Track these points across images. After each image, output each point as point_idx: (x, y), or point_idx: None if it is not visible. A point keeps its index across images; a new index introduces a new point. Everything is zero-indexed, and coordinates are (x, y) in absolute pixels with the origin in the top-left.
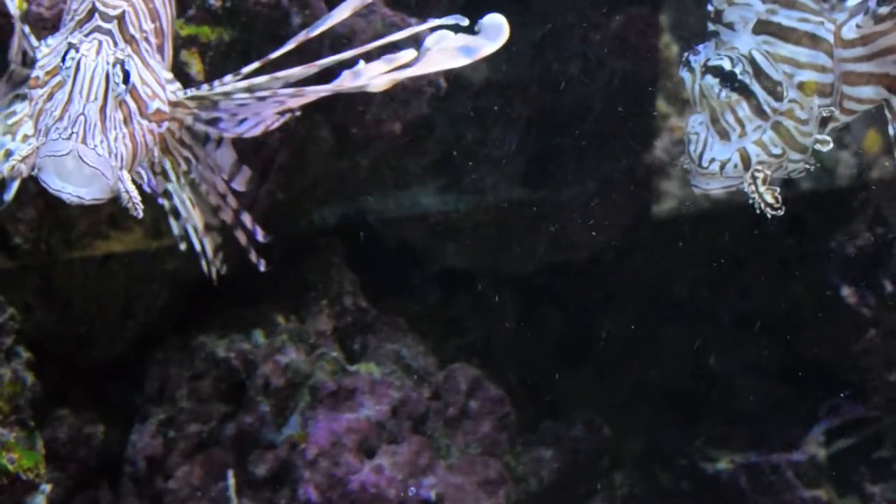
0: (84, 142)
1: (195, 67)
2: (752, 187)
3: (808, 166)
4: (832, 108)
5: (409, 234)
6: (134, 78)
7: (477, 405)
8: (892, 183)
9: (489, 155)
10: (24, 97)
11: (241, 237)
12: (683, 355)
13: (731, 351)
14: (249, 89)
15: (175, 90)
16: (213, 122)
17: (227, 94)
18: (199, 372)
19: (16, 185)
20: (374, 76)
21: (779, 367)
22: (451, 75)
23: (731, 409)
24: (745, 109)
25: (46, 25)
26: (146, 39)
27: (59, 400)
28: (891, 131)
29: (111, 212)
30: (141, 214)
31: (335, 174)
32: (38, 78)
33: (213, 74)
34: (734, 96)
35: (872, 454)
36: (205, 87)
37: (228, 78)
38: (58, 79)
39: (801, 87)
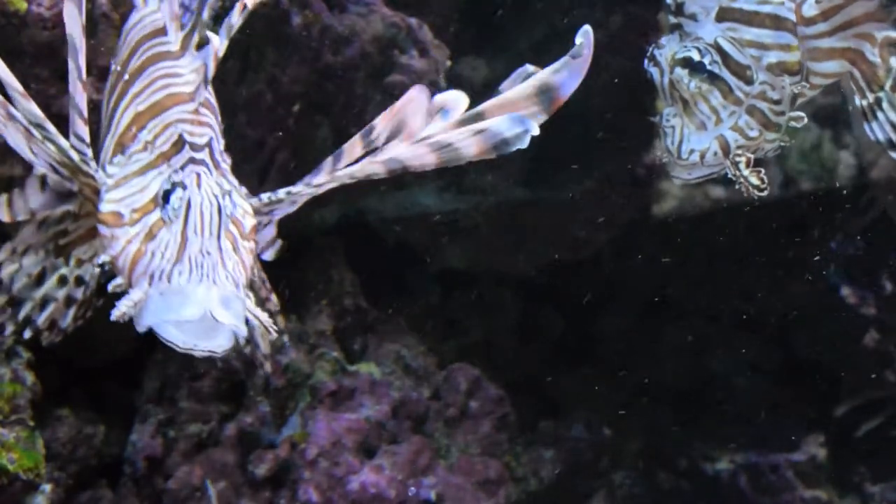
0: (215, 282)
1: None
2: (736, 172)
3: (783, 144)
4: (804, 84)
5: (409, 234)
6: (238, 205)
7: (477, 405)
8: (892, 182)
9: None
10: (77, 217)
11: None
12: (683, 355)
13: (731, 351)
14: (317, 187)
15: (245, 195)
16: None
17: (293, 194)
18: (199, 372)
19: (72, 313)
20: (461, 141)
21: (779, 367)
22: (452, 75)
23: (731, 409)
24: (717, 97)
25: (47, 26)
26: (223, 158)
27: (59, 400)
28: (857, 102)
29: None
30: (275, 335)
31: None
32: (121, 216)
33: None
34: (704, 86)
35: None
36: (280, 192)
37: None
38: (155, 217)
39: (770, 67)
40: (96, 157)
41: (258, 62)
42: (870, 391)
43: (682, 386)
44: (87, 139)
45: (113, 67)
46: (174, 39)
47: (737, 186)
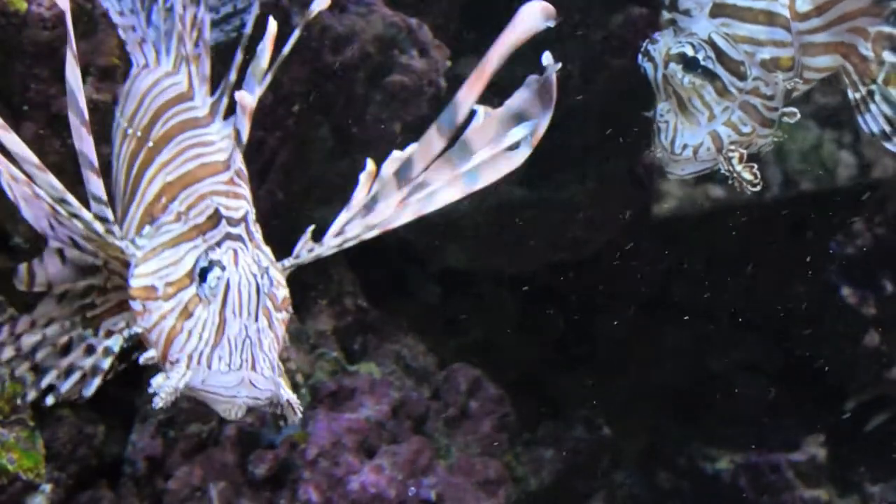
0: (254, 368)
1: None
2: (729, 167)
3: (776, 139)
4: (797, 80)
5: (409, 234)
6: (274, 279)
7: (477, 405)
8: (892, 182)
9: None
10: (104, 291)
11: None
12: (683, 355)
13: (731, 351)
14: (342, 245)
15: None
16: None
17: (320, 256)
18: None
19: (97, 382)
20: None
21: (779, 367)
22: (452, 75)
23: (731, 409)
24: (710, 93)
25: (47, 26)
26: (256, 228)
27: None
28: (850, 95)
29: None
30: (301, 415)
31: (335, 174)
32: (155, 289)
33: (212, 74)
34: (698, 81)
35: None
36: (304, 253)
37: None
38: (190, 293)
39: (764, 63)
40: (114, 213)
41: None
42: (873, 388)
43: (682, 386)
44: (105, 197)
45: (130, 131)
46: (202, 104)
47: (730, 182)
